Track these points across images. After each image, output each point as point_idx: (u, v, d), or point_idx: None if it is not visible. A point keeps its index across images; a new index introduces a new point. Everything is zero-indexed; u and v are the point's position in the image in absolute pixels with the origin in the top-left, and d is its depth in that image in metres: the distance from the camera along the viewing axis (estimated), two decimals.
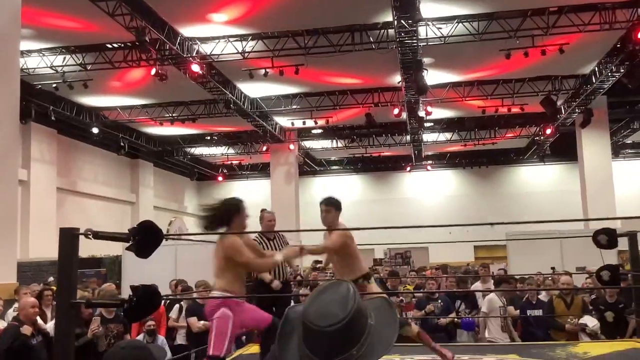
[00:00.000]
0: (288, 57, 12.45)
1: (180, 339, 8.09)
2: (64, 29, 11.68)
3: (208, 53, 12.52)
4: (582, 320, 7.52)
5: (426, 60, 12.77)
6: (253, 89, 15.19)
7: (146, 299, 4.07)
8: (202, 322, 7.58)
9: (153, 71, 12.53)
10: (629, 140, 21.28)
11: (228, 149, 22.09)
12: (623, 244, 6.98)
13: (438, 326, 8.37)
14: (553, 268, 10.54)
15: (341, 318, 1.42)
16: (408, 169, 24.38)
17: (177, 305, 8.24)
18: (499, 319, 7.73)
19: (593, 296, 8.06)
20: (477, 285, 9.16)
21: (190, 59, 12.19)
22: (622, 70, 12.92)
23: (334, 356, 1.43)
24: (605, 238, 6.33)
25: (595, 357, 5.92)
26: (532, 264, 10.08)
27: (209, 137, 20.76)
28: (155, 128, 18.62)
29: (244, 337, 7.25)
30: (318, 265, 17.14)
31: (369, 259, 18.80)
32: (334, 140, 21.05)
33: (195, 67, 12.29)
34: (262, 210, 6.73)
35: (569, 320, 7.59)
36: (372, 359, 1.46)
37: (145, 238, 4.03)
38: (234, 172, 25.60)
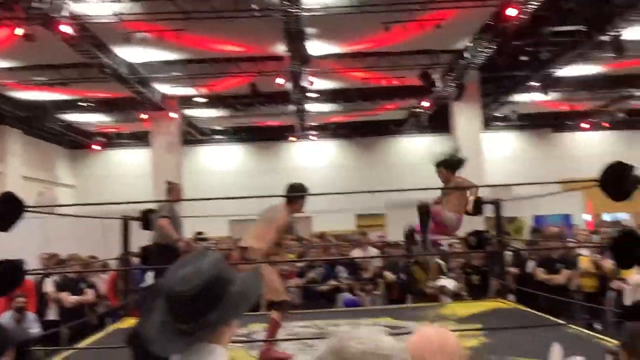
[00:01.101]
0: (168, 21, 11.97)
1: (52, 315, 7.75)
2: None
3: (80, 13, 11.76)
4: (440, 283, 8.01)
5: (310, 30, 12.77)
6: (130, 54, 14.49)
7: (7, 274, 3.82)
8: (74, 297, 7.27)
9: (19, 31, 11.61)
10: (498, 114, 22.62)
11: (104, 116, 21.02)
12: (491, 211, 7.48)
13: (319, 293, 8.58)
14: None
15: (197, 284, 1.51)
16: (293, 139, 24.49)
17: (49, 279, 7.86)
18: None
19: (462, 260, 8.57)
20: (357, 252, 9.45)
21: (60, 19, 11.39)
22: (493, 47, 13.61)
23: (191, 321, 1.51)
24: (473, 205, 6.73)
25: (463, 318, 6.33)
26: None
27: (83, 104, 19.63)
28: (22, 92, 17.32)
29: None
30: (201, 237, 16.95)
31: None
32: (218, 109, 20.66)
33: (66, 28, 11.50)
34: (170, 182, 7.13)
35: (428, 284, 8.06)
36: (227, 321, 1.57)
37: (3, 210, 3.77)
38: (111, 141, 24.46)
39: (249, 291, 1.63)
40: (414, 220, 11.55)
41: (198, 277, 1.52)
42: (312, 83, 16.05)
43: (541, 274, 7.84)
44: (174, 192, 6.93)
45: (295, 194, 5.96)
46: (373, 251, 9.65)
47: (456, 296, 7.91)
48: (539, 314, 6.51)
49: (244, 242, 5.67)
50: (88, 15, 11.78)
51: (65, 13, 11.42)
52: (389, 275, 8.65)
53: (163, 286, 1.56)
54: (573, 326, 5.77)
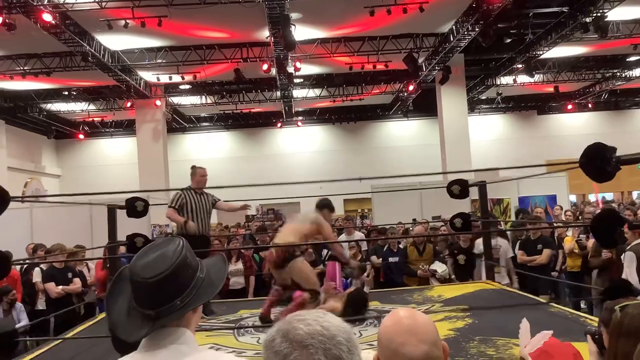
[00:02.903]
0: (150, 7, 11.86)
1: (42, 304, 7.75)
2: None
3: (61, 1, 11.62)
4: (432, 267, 8.07)
5: (293, 15, 12.70)
6: (113, 41, 14.36)
7: None
8: (60, 287, 7.26)
9: None
10: (483, 97, 22.71)
11: (89, 105, 20.82)
12: (476, 193, 7.53)
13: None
14: (414, 219, 11.13)
15: (164, 270, 1.53)
16: (279, 125, 24.46)
17: (37, 269, 7.82)
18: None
19: (450, 242, 8.62)
20: (342, 237, 9.49)
21: (41, 7, 11.25)
22: (477, 30, 13.62)
23: (158, 306, 1.53)
24: (458, 188, 6.78)
25: (448, 299, 6.38)
26: (394, 215, 10.59)
27: (66, 92, 19.44)
28: (5, 82, 17.13)
29: None
30: None
31: (241, 215, 18.82)
32: (203, 96, 20.57)
33: (47, 17, 11.37)
34: (194, 167, 6.84)
35: (420, 266, 8.11)
36: (194, 306, 1.59)
37: None
38: (96, 130, 24.31)
39: (215, 277, 1.65)
40: (399, 202, 11.66)
41: (164, 262, 1.54)
42: (298, 69, 15.98)
43: (522, 256, 7.92)
44: (194, 176, 6.71)
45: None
46: (359, 236, 9.70)
47: (444, 280, 7.97)
48: (525, 294, 6.58)
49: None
50: (69, 3, 11.64)
51: (46, 1, 11.29)
52: (376, 259, 8.71)
53: (129, 272, 1.57)
54: (558, 306, 5.85)
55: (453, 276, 8.13)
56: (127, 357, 1.58)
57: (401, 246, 8.73)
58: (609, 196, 21.02)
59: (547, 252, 7.85)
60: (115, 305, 1.62)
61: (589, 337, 2.44)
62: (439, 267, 8.15)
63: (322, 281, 6.67)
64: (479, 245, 7.74)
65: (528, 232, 8.08)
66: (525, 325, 2.29)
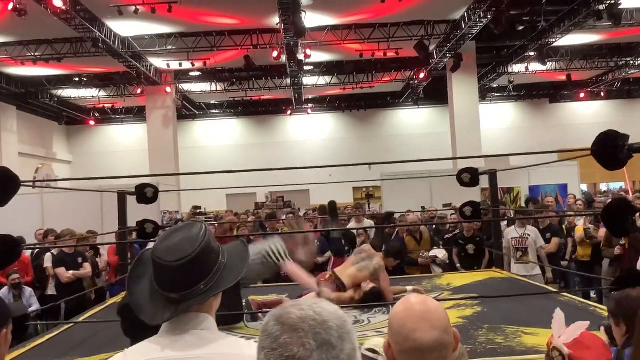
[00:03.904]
0: None
1: (52, 290, 7.82)
2: None
3: None
4: (432, 253, 8.04)
5: (304, 1, 12.64)
6: (124, 28, 14.34)
7: (3, 249, 3.83)
8: (70, 271, 7.30)
9: (10, 6, 11.48)
10: (494, 85, 22.53)
11: (99, 91, 20.89)
12: (486, 182, 7.49)
13: (315, 265, 8.61)
14: (423, 207, 11.10)
15: (189, 254, 1.51)
16: (289, 112, 24.43)
17: (48, 255, 7.89)
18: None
19: (457, 231, 8.60)
20: (352, 224, 9.49)
21: None
22: (489, 17, 13.48)
23: (182, 289, 1.52)
24: (468, 176, 6.74)
25: (458, 287, 6.38)
26: (404, 203, 10.56)
27: (77, 79, 19.49)
28: (16, 68, 17.19)
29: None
30: (198, 211, 16.99)
31: (251, 203, 18.87)
32: (213, 83, 20.56)
33: (58, 2, 11.37)
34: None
35: (421, 254, 8.08)
36: (217, 291, 1.58)
37: None
38: (106, 116, 24.38)
39: (237, 263, 1.64)
40: (409, 190, 11.61)
41: (189, 246, 1.53)
42: (308, 56, 15.92)
43: None
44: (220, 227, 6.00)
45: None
46: (368, 224, 9.69)
47: (447, 266, 7.95)
48: (534, 283, 6.56)
49: None
50: None
51: None
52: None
53: (152, 255, 1.55)
54: (567, 295, 5.83)
55: (458, 265, 8.11)
56: (148, 341, 1.56)
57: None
58: (620, 185, 20.85)
59: (555, 241, 7.82)
60: (137, 288, 1.61)
61: (602, 328, 2.43)
62: (439, 253, 8.14)
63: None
64: (507, 235, 7.55)
65: (536, 221, 8.02)
66: (559, 315, 2.25)
